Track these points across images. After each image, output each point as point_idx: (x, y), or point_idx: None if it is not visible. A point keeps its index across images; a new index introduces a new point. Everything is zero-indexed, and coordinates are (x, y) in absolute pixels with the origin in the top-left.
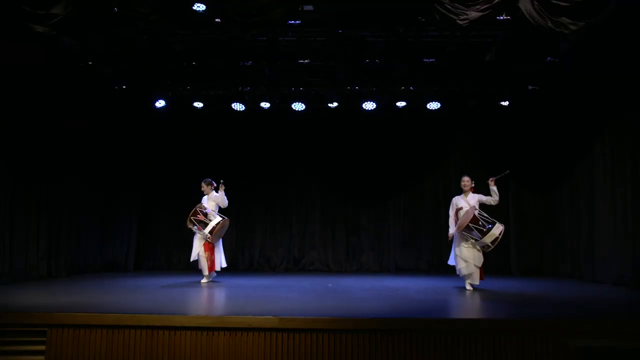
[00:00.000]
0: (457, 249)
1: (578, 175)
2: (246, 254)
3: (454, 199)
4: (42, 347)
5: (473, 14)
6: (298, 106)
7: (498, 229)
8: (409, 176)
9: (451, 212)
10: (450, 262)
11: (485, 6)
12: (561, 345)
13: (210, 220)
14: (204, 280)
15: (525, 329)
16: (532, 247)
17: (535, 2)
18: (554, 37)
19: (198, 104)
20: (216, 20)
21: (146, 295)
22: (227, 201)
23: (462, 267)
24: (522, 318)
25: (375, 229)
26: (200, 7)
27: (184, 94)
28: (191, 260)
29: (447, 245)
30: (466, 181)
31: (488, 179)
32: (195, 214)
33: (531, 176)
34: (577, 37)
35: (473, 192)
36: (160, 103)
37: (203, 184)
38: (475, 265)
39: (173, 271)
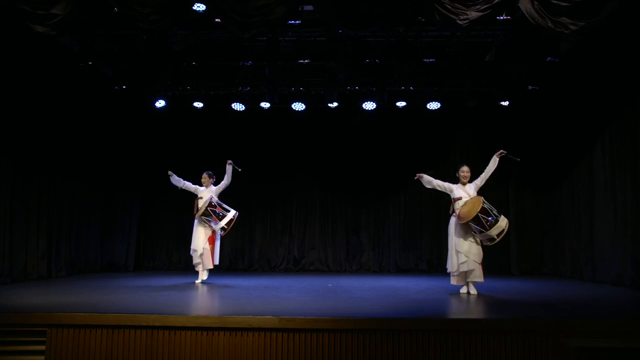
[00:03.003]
0: (456, 242)
1: (578, 175)
2: (246, 254)
3: (452, 185)
4: (42, 347)
5: (473, 14)
6: (298, 106)
7: (504, 221)
8: (409, 176)
9: (444, 183)
10: (448, 267)
11: (485, 6)
12: (561, 345)
13: (225, 212)
14: (204, 277)
15: (525, 329)
16: (532, 247)
17: (535, 2)
18: (554, 37)
19: (198, 104)
20: (216, 20)
21: (146, 295)
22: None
23: (464, 262)
24: (522, 318)
25: (375, 229)
26: (200, 7)
27: (184, 94)
28: (197, 252)
29: (447, 244)
30: (466, 171)
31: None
32: (211, 204)
33: (531, 176)
34: (577, 37)
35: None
36: (160, 103)
37: (205, 176)
38: (475, 261)
39: (173, 271)
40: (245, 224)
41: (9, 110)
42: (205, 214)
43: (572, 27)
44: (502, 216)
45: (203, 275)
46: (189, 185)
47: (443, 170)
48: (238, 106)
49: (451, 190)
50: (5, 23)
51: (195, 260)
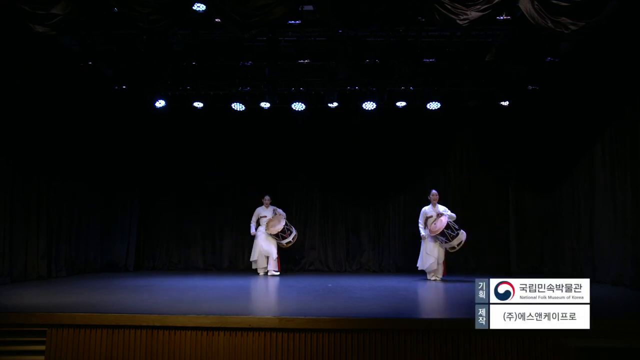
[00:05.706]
0: (427, 249)
1: (578, 175)
2: (246, 254)
3: (423, 209)
4: (42, 347)
5: (473, 14)
6: (298, 106)
7: (463, 234)
8: (409, 176)
9: (421, 220)
10: (419, 265)
11: (485, 6)
12: (561, 345)
13: (288, 234)
14: (277, 273)
15: (525, 329)
16: (532, 247)
17: (535, 2)
18: (554, 37)
19: (198, 104)
20: (216, 20)
21: (146, 295)
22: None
23: (432, 262)
24: None
25: (375, 229)
26: (200, 7)
27: (184, 94)
28: (272, 256)
29: None
30: (435, 194)
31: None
32: (283, 230)
33: (531, 176)
34: (577, 37)
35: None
36: (160, 103)
37: (268, 197)
38: (438, 261)
39: (173, 271)
40: (244, 224)
41: (9, 110)
42: (276, 235)
43: (572, 27)
44: (462, 231)
45: (275, 273)
46: (254, 221)
47: (443, 170)
48: (238, 106)
49: (426, 213)
50: (5, 23)
51: (262, 261)
